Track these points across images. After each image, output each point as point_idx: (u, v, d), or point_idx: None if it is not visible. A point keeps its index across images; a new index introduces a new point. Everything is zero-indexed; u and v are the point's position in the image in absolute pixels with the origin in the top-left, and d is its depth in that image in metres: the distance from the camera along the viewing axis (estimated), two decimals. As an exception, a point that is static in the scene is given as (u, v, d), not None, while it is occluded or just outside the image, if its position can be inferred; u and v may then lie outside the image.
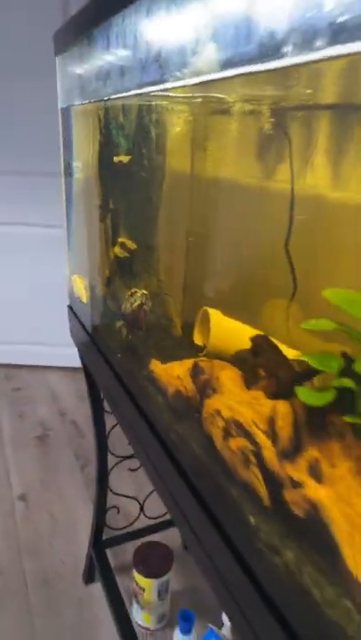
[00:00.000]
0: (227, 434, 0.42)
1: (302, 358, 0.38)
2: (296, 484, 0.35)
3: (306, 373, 0.40)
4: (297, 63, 0.32)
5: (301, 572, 0.34)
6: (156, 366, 0.60)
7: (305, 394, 0.36)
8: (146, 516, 1.34)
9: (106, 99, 0.67)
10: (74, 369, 2.39)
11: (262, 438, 0.39)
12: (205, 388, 0.48)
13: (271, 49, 0.34)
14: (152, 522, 1.37)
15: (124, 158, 0.71)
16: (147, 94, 0.56)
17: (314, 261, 0.50)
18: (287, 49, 0.33)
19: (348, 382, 0.35)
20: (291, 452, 0.37)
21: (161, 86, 0.52)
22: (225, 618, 0.96)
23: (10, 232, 2.24)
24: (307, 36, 0.31)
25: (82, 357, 1.03)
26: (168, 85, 0.50)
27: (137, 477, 1.54)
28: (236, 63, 0.39)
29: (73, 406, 2.18)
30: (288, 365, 0.42)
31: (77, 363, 1.09)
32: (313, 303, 0.46)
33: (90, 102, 0.74)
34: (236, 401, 0.43)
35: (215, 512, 0.45)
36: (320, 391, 0.36)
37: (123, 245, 0.71)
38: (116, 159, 0.73)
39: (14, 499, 1.61)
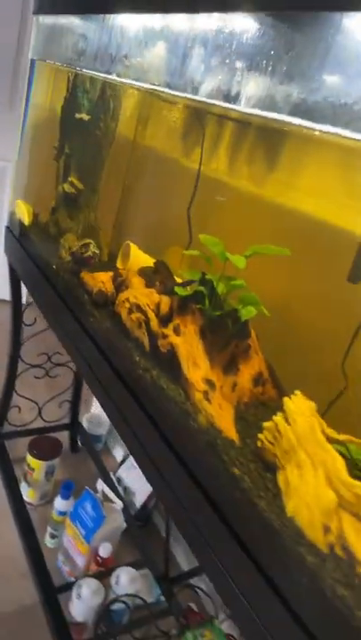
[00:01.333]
0: (130, 311, 0.69)
1: (184, 274, 0.66)
2: (165, 336, 0.63)
3: (183, 283, 0.68)
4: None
5: (160, 382, 0.62)
6: (86, 275, 0.84)
7: (179, 290, 0.64)
8: (42, 419, 1.59)
9: (78, 69, 0.88)
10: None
11: (151, 314, 0.66)
12: (120, 286, 0.74)
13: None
14: (47, 425, 1.62)
15: (85, 116, 0.93)
16: (111, 78, 0.79)
17: (204, 219, 0.78)
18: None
19: (200, 288, 0.64)
20: (165, 321, 0.65)
21: (125, 77, 0.75)
22: (99, 484, 1.26)
23: None
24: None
25: (13, 270, 1.23)
26: (125, 78, 0.74)
27: (39, 385, 1.75)
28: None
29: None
30: (172, 278, 0.70)
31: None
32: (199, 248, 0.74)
33: (63, 66, 0.94)
34: (138, 293, 0.70)
35: (113, 361, 0.72)
36: (186, 289, 0.64)
37: (72, 183, 0.93)
38: (77, 115, 0.94)
39: None
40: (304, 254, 0.60)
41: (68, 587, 1.11)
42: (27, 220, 1.14)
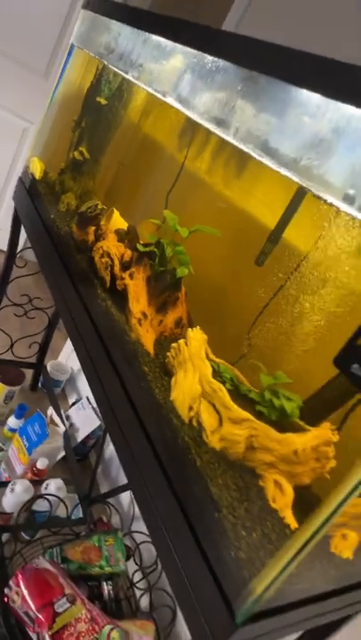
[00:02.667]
0: (101, 256, 0.90)
1: (147, 238, 0.88)
2: (122, 278, 0.85)
3: (143, 243, 0.89)
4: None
5: (111, 309, 0.83)
6: (74, 227, 1.05)
7: (139, 246, 0.86)
8: (12, 353, 1.79)
9: (106, 62, 1.09)
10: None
11: (116, 260, 0.88)
12: (99, 238, 0.96)
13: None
14: (16, 359, 1.82)
15: (103, 101, 1.14)
16: (128, 77, 1.00)
17: (177, 202, 0.99)
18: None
19: (154, 248, 0.85)
20: (125, 268, 0.86)
21: (138, 80, 0.96)
22: (50, 410, 1.47)
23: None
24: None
25: (17, 216, 1.43)
26: (141, 85, 0.95)
27: (16, 323, 1.94)
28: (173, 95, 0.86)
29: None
30: (137, 238, 0.92)
31: None
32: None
33: (95, 56, 1.14)
34: (110, 244, 0.91)
35: (83, 294, 0.93)
36: (144, 248, 0.86)
37: (81, 152, 1.14)
38: (98, 98, 1.15)
39: None
40: (234, 238, 0.82)
41: (4, 484, 1.32)
42: (38, 175, 1.34)
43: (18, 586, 1.04)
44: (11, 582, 1.05)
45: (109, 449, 1.67)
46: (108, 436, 1.59)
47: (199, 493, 0.57)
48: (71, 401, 1.92)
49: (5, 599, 1.04)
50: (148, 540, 1.26)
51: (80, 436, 1.63)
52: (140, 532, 1.29)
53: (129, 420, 0.70)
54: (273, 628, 0.54)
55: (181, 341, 0.72)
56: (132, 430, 0.70)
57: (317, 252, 0.62)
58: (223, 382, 0.65)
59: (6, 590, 1.04)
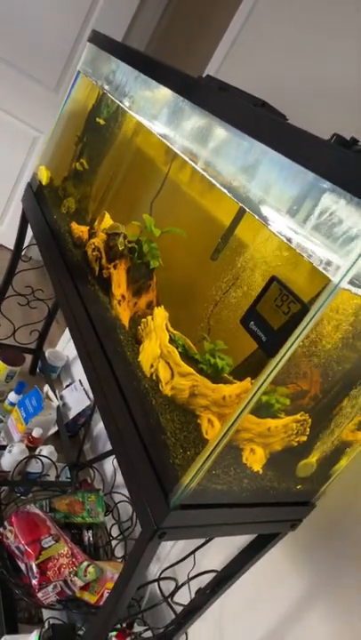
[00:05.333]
0: (93, 250, 1.11)
1: (130, 236, 1.08)
2: (108, 268, 1.05)
3: (129, 242, 1.10)
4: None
5: (99, 293, 1.04)
6: (73, 224, 1.26)
7: (120, 242, 1.06)
8: (14, 339, 1.99)
9: (106, 89, 1.30)
10: (-7, 235, 2.90)
11: (103, 254, 1.08)
12: (91, 236, 1.16)
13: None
14: (17, 344, 2.02)
15: (101, 121, 1.35)
16: (121, 104, 1.21)
17: (159, 209, 1.20)
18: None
19: (135, 245, 1.06)
20: (110, 260, 1.07)
21: (130, 110, 1.18)
22: (46, 387, 1.67)
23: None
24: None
25: (25, 215, 1.64)
26: (131, 112, 1.16)
27: (19, 311, 2.15)
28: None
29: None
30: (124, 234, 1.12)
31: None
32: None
33: (97, 84, 1.36)
34: (100, 241, 1.12)
35: (77, 282, 1.13)
36: (127, 244, 1.06)
37: (81, 163, 1.35)
38: (97, 119, 1.36)
39: None
40: (198, 238, 1.02)
41: (3, 447, 1.51)
42: (44, 182, 1.55)
43: (11, 525, 1.23)
44: (5, 523, 1.25)
45: (98, 427, 1.87)
46: (95, 415, 1.78)
47: (152, 423, 0.77)
48: (65, 384, 2.11)
49: (0, 536, 1.23)
50: (126, 499, 1.46)
51: (72, 414, 1.83)
52: (119, 493, 1.48)
53: (107, 375, 0.90)
54: (199, 523, 0.73)
55: (149, 317, 0.92)
56: (108, 383, 0.90)
57: (251, 250, 0.82)
58: (177, 347, 0.85)
59: (1, 529, 1.24)
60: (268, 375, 0.61)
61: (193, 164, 0.94)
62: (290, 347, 0.57)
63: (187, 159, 0.97)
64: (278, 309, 0.59)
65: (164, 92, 1.06)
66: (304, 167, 0.61)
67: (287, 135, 0.68)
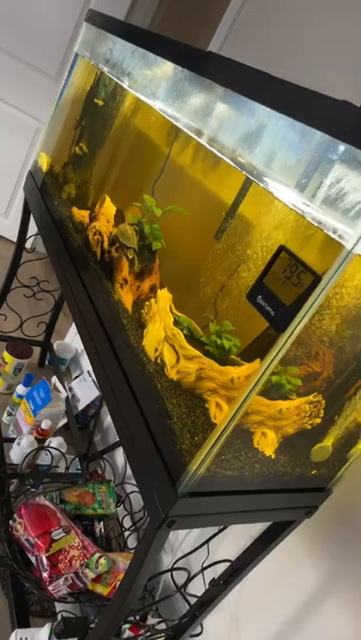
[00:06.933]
0: (94, 234, 1.07)
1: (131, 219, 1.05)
2: (110, 252, 1.01)
3: (130, 224, 1.06)
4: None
5: (102, 279, 1.00)
6: (74, 209, 1.22)
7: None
8: (22, 332, 1.97)
9: (105, 69, 1.26)
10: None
11: (105, 238, 1.05)
12: (93, 220, 1.13)
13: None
14: (25, 337, 2.00)
15: (100, 102, 1.31)
16: (120, 83, 1.17)
17: (160, 190, 1.16)
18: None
19: (135, 227, 1.02)
20: (112, 244, 1.03)
21: (130, 89, 1.13)
22: (53, 379, 1.64)
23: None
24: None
25: (27, 203, 1.61)
26: (132, 91, 1.12)
27: (25, 304, 2.12)
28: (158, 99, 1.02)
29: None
30: (124, 218, 1.08)
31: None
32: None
33: (96, 65, 1.32)
34: (102, 224, 1.08)
35: (79, 266, 1.10)
36: (131, 225, 1.02)
37: (81, 147, 1.31)
38: (95, 100, 1.32)
39: None
40: (200, 217, 0.98)
41: (12, 440, 1.50)
42: (45, 169, 1.52)
43: (21, 517, 1.21)
44: (15, 515, 1.23)
45: (108, 418, 1.85)
46: (105, 406, 1.76)
47: (158, 409, 0.74)
48: (75, 376, 2.09)
49: (10, 529, 1.21)
50: (138, 490, 1.43)
51: (81, 405, 1.80)
52: (131, 484, 1.46)
53: (111, 361, 0.87)
54: (209, 511, 0.70)
55: (152, 300, 0.88)
56: (112, 369, 0.86)
57: (257, 224, 0.78)
58: (182, 329, 0.82)
59: (11, 522, 1.22)
60: (278, 352, 0.57)
61: (197, 138, 0.89)
62: (300, 320, 0.53)
63: (191, 134, 0.93)
64: (288, 281, 0.55)
65: (166, 67, 1.01)
66: (317, 129, 0.56)
67: (298, 96, 0.63)
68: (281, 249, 0.57)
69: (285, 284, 0.55)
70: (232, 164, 0.79)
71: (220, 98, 0.82)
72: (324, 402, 0.74)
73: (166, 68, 0.99)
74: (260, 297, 0.58)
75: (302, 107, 0.61)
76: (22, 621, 1.15)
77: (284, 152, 0.65)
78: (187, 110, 0.96)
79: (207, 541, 1.07)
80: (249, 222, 0.80)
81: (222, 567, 0.99)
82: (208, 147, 0.85)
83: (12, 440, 1.49)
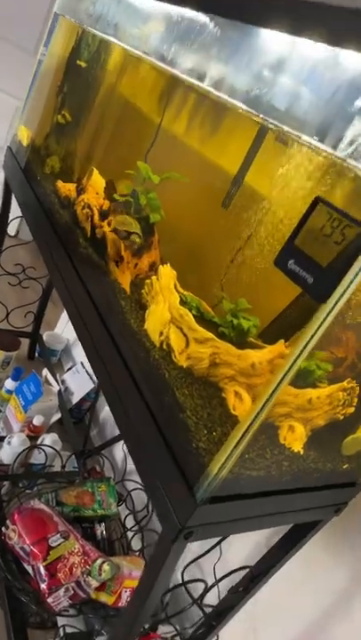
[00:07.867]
0: (83, 208, 0.95)
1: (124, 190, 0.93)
2: (101, 227, 0.90)
3: (123, 195, 0.94)
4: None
5: (93, 256, 0.89)
6: (59, 183, 1.10)
7: (116, 196, 0.91)
8: (8, 322, 1.85)
9: (85, 27, 1.13)
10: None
11: (95, 211, 0.93)
12: (80, 193, 1.01)
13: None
14: (12, 329, 1.88)
15: (83, 63, 1.18)
16: (105, 37, 1.04)
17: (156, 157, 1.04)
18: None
19: (130, 198, 0.90)
20: (103, 217, 0.92)
21: (117, 39, 1.01)
22: (44, 371, 1.53)
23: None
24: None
25: (7, 185, 1.48)
26: (120, 43, 1.00)
27: (10, 293, 1.99)
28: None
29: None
30: (115, 191, 0.97)
31: None
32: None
33: (76, 22, 1.18)
34: (90, 197, 0.96)
35: (67, 245, 0.98)
36: (122, 197, 0.91)
37: (64, 115, 1.19)
38: (78, 62, 1.19)
39: None
40: (203, 184, 0.87)
41: (2, 438, 1.39)
42: (25, 143, 1.39)
43: (14, 524, 1.11)
44: (8, 521, 1.12)
45: (104, 411, 1.74)
46: (101, 399, 1.65)
47: (167, 401, 0.63)
48: (67, 368, 1.98)
49: (3, 537, 1.11)
50: (140, 487, 1.33)
51: (75, 399, 1.70)
52: (132, 480, 1.36)
53: (109, 348, 0.76)
54: (231, 517, 0.60)
55: (154, 277, 0.77)
56: (110, 357, 0.76)
57: (275, 180, 0.67)
58: (190, 309, 0.71)
59: (3, 529, 1.12)
60: (318, 329, 0.46)
61: (201, 84, 0.78)
62: (348, 286, 0.43)
63: (193, 81, 0.81)
64: (328, 239, 0.44)
65: (161, 7, 0.89)
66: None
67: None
68: (318, 200, 0.46)
69: (325, 243, 0.45)
70: (244, 107, 0.68)
71: (229, 27, 0.70)
72: (358, 388, 0.65)
73: (160, 7, 0.87)
74: (291, 261, 0.47)
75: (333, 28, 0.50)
76: (20, 635, 1.05)
77: (313, 86, 0.54)
78: (189, 52, 0.84)
79: (219, 543, 0.98)
80: (268, 176, 0.69)
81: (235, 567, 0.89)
82: (215, 92, 0.73)
83: (2, 439, 1.38)
